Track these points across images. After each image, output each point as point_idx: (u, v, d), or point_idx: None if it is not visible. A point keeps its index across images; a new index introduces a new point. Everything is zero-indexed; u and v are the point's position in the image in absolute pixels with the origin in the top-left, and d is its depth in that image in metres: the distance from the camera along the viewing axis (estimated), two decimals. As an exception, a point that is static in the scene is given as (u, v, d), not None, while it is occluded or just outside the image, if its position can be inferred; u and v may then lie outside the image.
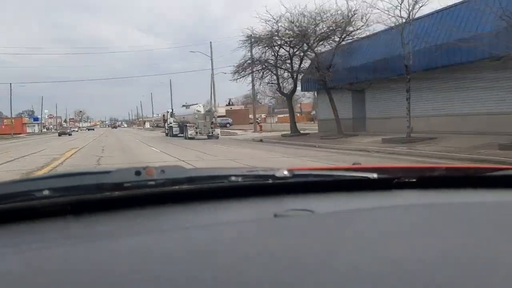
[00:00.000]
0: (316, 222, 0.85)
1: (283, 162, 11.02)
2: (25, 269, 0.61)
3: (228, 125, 55.14)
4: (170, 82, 60.17)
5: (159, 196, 0.98)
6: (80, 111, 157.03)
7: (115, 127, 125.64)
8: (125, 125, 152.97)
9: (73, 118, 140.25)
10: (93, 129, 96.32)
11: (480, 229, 0.78)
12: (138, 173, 0.94)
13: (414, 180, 1.18)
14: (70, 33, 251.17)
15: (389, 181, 1.16)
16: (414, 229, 0.78)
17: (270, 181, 1.07)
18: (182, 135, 29.22)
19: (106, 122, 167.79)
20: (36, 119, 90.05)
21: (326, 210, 0.95)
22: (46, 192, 0.88)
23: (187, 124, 26.35)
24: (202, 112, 26.32)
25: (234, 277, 0.56)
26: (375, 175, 1.13)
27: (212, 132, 25.66)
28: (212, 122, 26.39)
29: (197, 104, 27.74)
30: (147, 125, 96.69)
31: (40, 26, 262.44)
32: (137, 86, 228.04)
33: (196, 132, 25.56)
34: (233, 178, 1.05)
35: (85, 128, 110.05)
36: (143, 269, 0.58)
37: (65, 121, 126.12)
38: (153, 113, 57.80)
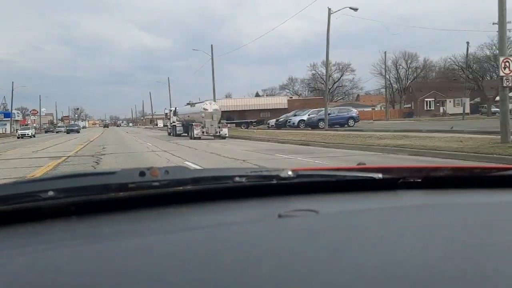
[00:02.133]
0: (321, 223, 0.86)
1: None
2: (32, 270, 0.63)
3: (352, 121, 34.91)
4: (212, 52, 37.75)
5: (164, 196, 0.99)
6: (77, 109, 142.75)
7: (106, 126, 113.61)
8: (130, 124, 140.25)
9: (67, 116, 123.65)
10: (78, 131, 58.82)
11: (486, 230, 0.79)
12: (142, 173, 0.96)
13: (420, 180, 1.19)
14: (72, 32, 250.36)
15: (394, 181, 1.17)
16: (420, 230, 0.79)
17: (275, 181, 1.08)
18: (185, 134, 28.31)
19: (106, 121, 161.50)
20: (7, 115, 63.91)
21: (330, 211, 0.96)
22: (51, 193, 0.89)
23: (193, 123, 24.79)
24: (210, 110, 25.00)
25: (239, 278, 0.57)
26: (380, 175, 1.14)
27: (219, 132, 24.08)
28: (220, 121, 24.73)
29: (203, 102, 26.09)
30: (161, 123, 69.53)
31: (41, 25, 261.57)
32: (139, 84, 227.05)
33: (203, 132, 24.58)
34: (237, 179, 1.06)
35: (62, 129, 67.26)
36: (148, 270, 0.60)
37: (62, 119, 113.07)
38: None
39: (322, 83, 68.78)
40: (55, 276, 0.60)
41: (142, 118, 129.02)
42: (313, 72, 77.52)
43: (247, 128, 43.79)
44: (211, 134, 24.72)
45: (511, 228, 0.81)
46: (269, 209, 1.00)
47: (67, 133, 55.95)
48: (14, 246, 0.77)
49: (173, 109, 33.35)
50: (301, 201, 1.05)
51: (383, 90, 64.00)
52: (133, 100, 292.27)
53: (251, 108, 53.47)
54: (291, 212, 0.89)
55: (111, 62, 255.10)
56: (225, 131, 25.08)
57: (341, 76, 74.76)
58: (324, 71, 67.28)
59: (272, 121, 42.36)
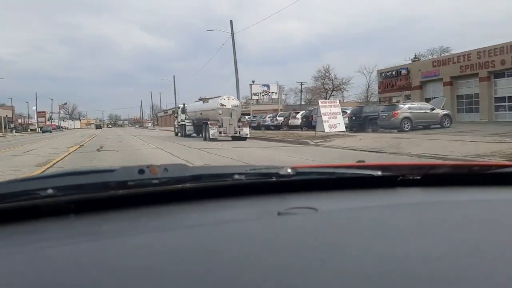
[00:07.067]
0: (320, 220, 0.91)
1: None
2: (30, 268, 0.66)
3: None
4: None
5: (163, 194, 1.04)
6: (65, 103, 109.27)
7: (99, 127, 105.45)
8: (148, 125, 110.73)
9: (43, 112, 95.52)
10: None
11: (486, 228, 0.83)
12: (141, 171, 1.00)
13: (419, 177, 1.22)
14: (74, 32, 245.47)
15: (393, 179, 1.21)
16: (419, 228, 0.83)
17: (274, 179, 1.12)
18: (195, 135, 26.13)
19: (104, 121, 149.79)
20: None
21: (329, 208, 1.01)
22: (50, 191, 0.93)
23: (208, 122, 21.67)
24: (228, 106, 21.57)
25: (238, 275, 0.62)
26: (379, 173, 1.18)
27: (239, 132, 21.86)
28: (240, 119, 20.80)
29: (219, 96, 22.36)
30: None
31: (43, 25, 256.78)
32: (141, 84, 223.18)
33: (220, 132, 22.07)
34: (236, 176, 1.10)
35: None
36: (147, 268, 0.63)
37: (49, 118, 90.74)
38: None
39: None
40: (54, 275, 0.63)
41: (163, 112, 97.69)
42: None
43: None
44: (229, 135, 21.92)
45: (510, 225, 0.84)
46: (268, 207, 1.05)
47: None
48: (13, 245, 0.80)
49: (181, 105, 29.53)
50: (300, 198, 1.10)
51: None
52: (133, 100, 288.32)
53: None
54: (290, 209, 0.93)
55: (111, 63, 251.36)
56: (246, 131, 22.27)
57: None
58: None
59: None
